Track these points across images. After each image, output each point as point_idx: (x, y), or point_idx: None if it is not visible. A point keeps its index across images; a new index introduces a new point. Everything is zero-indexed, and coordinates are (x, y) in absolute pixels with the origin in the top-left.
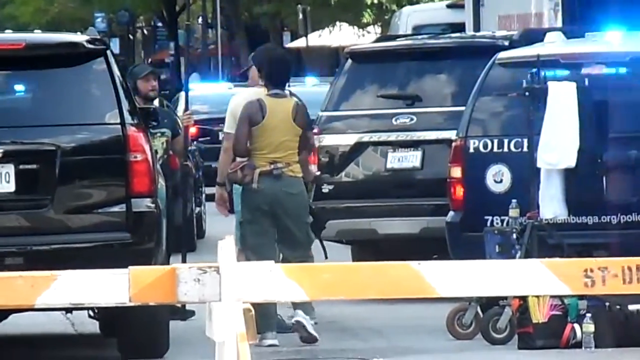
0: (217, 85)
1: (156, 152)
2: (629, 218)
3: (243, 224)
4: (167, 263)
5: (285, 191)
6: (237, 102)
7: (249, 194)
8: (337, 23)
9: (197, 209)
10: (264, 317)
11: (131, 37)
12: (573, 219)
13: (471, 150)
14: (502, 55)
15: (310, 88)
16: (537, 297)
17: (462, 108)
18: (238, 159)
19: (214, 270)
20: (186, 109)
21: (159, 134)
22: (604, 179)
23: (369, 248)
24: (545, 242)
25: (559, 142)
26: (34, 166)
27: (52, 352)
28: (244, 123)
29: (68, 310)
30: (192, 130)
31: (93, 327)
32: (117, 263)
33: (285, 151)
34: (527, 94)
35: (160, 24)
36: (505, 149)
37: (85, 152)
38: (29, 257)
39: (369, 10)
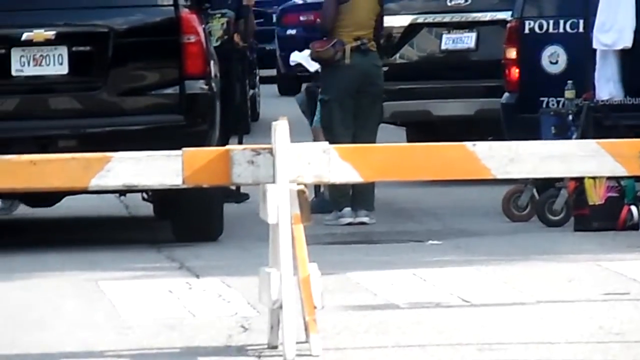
0: None
1: (210, 33)
2: None
3: (328, 103)
4: (224, 145)
5: (374, 64)
6: None
7: (341, 70)
8: None
9: (252, 91)
10: (360, 193)
11: None
12: (629, 100)
13: (526, 31)
14: None
15: None
16: (594, 178)
17: None
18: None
19: (268, 151)
20: None
21: (218, 15)
22: None
23: (424, 130)
24: (601, 123)
25: (616, 22)
26: (87, 48)
27: (105, 235)
28: (333, 0)
29: (122, 192)
30: None
31: (147, 209)
32: (170, 145)
33: (368, 29)
34: None
35: None
36: (561, 30)
37: (138, 34)
38: (82, 140)
39: None
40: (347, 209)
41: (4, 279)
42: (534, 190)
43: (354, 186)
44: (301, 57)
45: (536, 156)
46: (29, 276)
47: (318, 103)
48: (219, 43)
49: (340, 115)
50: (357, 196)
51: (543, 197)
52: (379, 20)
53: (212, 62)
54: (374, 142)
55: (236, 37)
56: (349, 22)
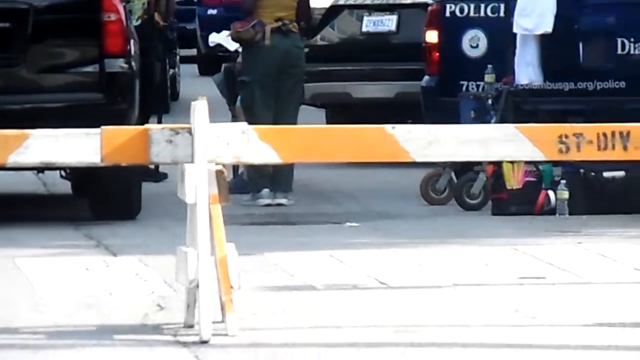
0: None
1: (130, 12)
2: (605, 85)
3: (249, 84)
4: (144, 124)
5: (296, 45)
6: None
7: (261, 51)
8: None
9: (172, 70)
10: (278, 175)
11: None
12: (549, 85)
13: (447, 14)
14: None
15: None
16: (512, 163)
17: None
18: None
19: (187, 131)
20: None
21: None
22: (580, 45)
23: (343, 112)
24: (521, 108)
25: (536, 7)
26: (6, 24)
27: (23, 212)
28: None
29: (40, 170)
30: None
31: (65, 187)
32: (89, 123)
33: (289, 10)
34: None
35: None
36: (482, 14)
37: (59, 11)
38: (1, 117)
39: None
40: (266, 190)
41: None
42: (452, 174)
43: (273, 167)
44: (220, 38)
45: (455, 140)
46: None
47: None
48: (139, 22)
49: (261, 97)
50: (276, 177)
51: (461, 180)
52: (304, 2)
53: (132, 41)
54: (294, 123)
55: (157, 17)
56: (269, 3)
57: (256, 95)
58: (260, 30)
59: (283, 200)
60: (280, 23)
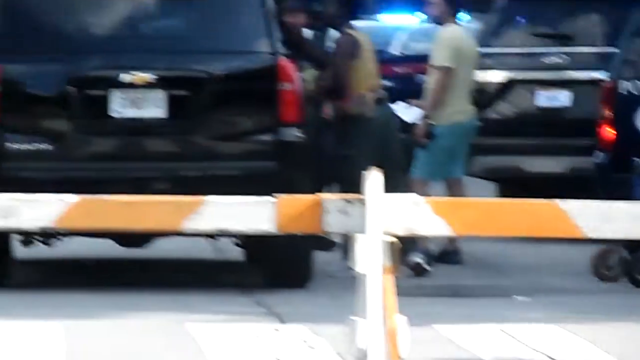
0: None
1: (304, 81)
2: None
3: (356, 158)
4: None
5: (392, 113)
6: (451, 34)
7: (366, 123)
8: None
9: None
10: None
11: None
12: None
13: (622, 91)
14: None
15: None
16: None
17: (614, 49)
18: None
19: (359, 201)
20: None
21: (308, 66)
22: None
23: (515, 186)
24: None
25: None
26: (186, 92)
27: (195, 277)
28: (345, 58)
29: (213, 236)
30: None
31: (238, 254)
32: (263, 191)
33: (377, 78)
34: None
35: None
36: None
37: (235, 80)
38: (176, 183)
39: None
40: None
41: (94, 317)
42: (625, 251)
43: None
44: (397, 109)
45: (629, 216)
46: (118, 315)
47: (417, 153)
48: (309, 93)
49: (366, 170)
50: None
51: (634, 258)
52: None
53: (306, 111)
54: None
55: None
56: (363, 75)
57: (362, 168)
58: (364, 103)
59: (418, 259)
60: (377, 93)
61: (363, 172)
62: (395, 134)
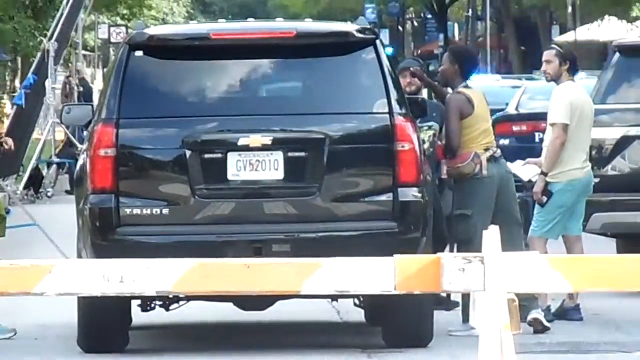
0: (486, 77)
1: (423, 142)
2: None
3: (470, 217)
4: (434, 253)
5: (507, 170)
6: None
7: (480, 183)
8: (606, 17)
9: None
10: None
11: (400, 28)
12: None
13: None
14: None
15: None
16: None
17: None
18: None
19: (479, 259)
20: None
21: (425, 127)
22: None
23: (634, 241)
24: None
25: None
26: (303, 154)
27: (317, 339)
28: (456, 116)
29: (333, 297)
30: None
31: (358, 315)
32: (382, 252)
33: (492, 136)
34: None
35: (429, 16)
36: None
37: (353, 141)
38: (295, 244)
39: (638, 4)
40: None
41: None
42: None
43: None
44: (514, 167)
45: None
46: None
47: (534, 211)
48: (427, 154)
49: (482, 228)
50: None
51: None
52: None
53: (425, 170)
54: (522, 247)
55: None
56: (477, 133)
57: (478, 227)
58: (478, 161)
59: (537, 315)
60: (491, 151)
61: (480, 231)
62: (513, 192)
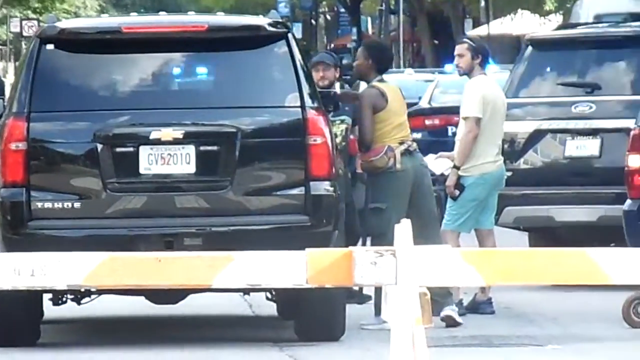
0: (398, 71)
1: (335, 135)
2: None
3: (384, 211)
4: (346, 247)
5: (422, 164)
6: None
7: (394, 177)
8: (519, 11)
9: None
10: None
11: (314, 22)
12: None
13: None
14: None
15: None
16: None
17: None
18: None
19: (391, 253)
20: None
21: (338, 121)
22: None
23: (546, 235)
24: None
25: None
26: (215, 148)
27: (229, 333)
28: (369, 111)
29: (245, 291)
30: None
31: (270, 309)
32: (294, 245)
33: (407, 130)
34: None
35: (343, 10)
36: None
37: (265, 135)
38: (207, 238)
39: None
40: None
41: None
42: None
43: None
44: (427, 161)
45: None
46: None
47: (446, 205)
48: (339, 148)
49: (392, 224)
50: (435, 296)
51: None
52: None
53: (337, 164)
54: (440, 242)
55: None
56: (390, 127)
57: (392, 221)
58: (391, 155)
59: (451, 312)
60: (406, 145)
61: (394, 225)
62: (429, 186)
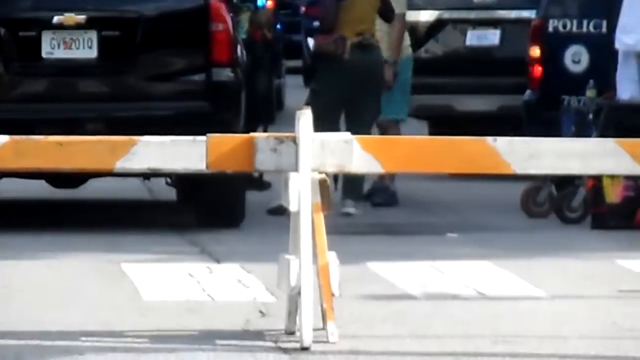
0: None
1: (238, 24)
2: None
3: (318, 93)
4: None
5: (376, 60)
6: None
7: (338, 65)
8: None
9: (277, 81)
10: (349, 184)
11: None
12: None
13: (550, 30)
14: None
15: None
16: (611, 177)
17: None
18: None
19: (291, 140)
20: None
21: (245, 8)
22: None
23: (446, 125)
24: (621, 123)
25: (638, 23)
26: (117, 33)
27: (129, 218)
28: None
29: (146, 176)
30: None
31: (170, 194)
32: (196, 131)
33: (369, 23)
34: None
35: None
36: (584, 30)
37: (168, 21)
38: (109, 123)
39: None
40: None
41: (28, 258)
42: (553, 187)
43: (344, 176)
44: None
45: (555, 153)
46: (52, 256)
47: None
48: (246, 35)
49: (326, 108)
50: (346, 185)
51: (561, 194)
52: (383, 8)
53: (239, 51)
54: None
55: (265, 29)
56: (349, 18)
57: (322, 105)
58: (342, 44)
59: (351, 210)
60: (361, 37)
61: (327, 111)
62: (376, 82)
